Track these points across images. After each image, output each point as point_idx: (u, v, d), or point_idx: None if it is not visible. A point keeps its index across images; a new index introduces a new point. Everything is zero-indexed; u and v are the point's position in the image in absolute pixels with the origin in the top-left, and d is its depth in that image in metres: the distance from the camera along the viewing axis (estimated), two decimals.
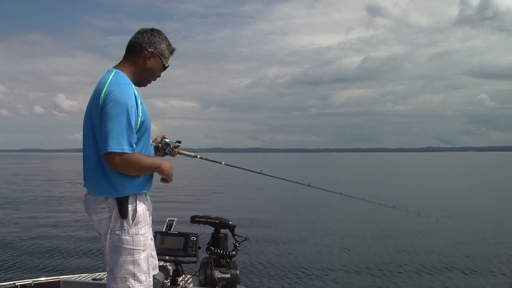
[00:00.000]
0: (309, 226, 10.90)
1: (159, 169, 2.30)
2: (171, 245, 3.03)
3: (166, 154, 2.63)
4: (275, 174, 3.32)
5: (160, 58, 2.33)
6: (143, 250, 2.20)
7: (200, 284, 3.02)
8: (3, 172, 39.19)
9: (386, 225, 10.88)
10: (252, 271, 6.52)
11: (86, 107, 2.26)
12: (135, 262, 2.16)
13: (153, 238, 2.43)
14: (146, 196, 2.30)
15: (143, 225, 2.21)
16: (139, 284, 2.17)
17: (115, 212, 2.15)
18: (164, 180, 2.39)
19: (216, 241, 3.10)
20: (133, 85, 2.22)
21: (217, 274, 2.95)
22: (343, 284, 6.25)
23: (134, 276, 2.17)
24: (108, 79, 2.17)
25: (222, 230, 3.16)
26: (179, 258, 3.04)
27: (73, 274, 3.29)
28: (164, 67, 2.39)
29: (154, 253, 2.43)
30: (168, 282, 3.00)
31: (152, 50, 2.30)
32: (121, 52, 2.36)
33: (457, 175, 36.06)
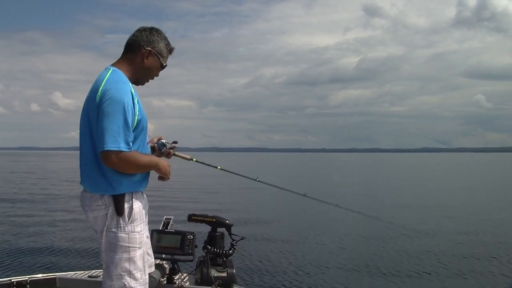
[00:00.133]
0: (305, 226, 10.92)
1: (156, 167, 2.31)
2: (167, 244, 3.03)
3: (163, 154, 2.62)
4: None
5: (158, 57, 2.33)
6: (139, 248, 2.21)
7: (196, 282, 3.03)
8: None
9: (386, 225, 10.90)
10: (249, 270, 6.52)
11: (83, 105, 2.26)
12: (130, 260, 2.17)
13: (149, 236, 2.44)
14: (143, 194, 2.31)
15: (139, 222, 2.22)
16: (134, 282, 2.18)
17: (111, 209, 2.16)
18: (161, 178, 2.39)
19: (212, 239, 3.11)
20: (130, 84, 2.22)
21: (214, 272, 2.96)
22: (339, 283, 6.26)
23: (130, 274, 2.17)
24: (105, 77, 2.18)
25: (219, 229, 3.16)
26: (175, 257, 3.05)
27: (69, 272, 3.30)
28: (162, 66, 2.38)
29: (150, 251, 2.43)
30: (164, 280, 3.01)
31: (150, 49, 2.30)
32: (119, 50, 2.36)
33: (453, 176, 36.16)
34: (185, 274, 3.18)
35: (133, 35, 2.34)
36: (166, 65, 2.40)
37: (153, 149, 2.57)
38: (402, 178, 32.40)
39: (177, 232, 3.08)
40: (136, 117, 2.16)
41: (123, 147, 2.07)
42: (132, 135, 2.14)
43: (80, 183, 2.27)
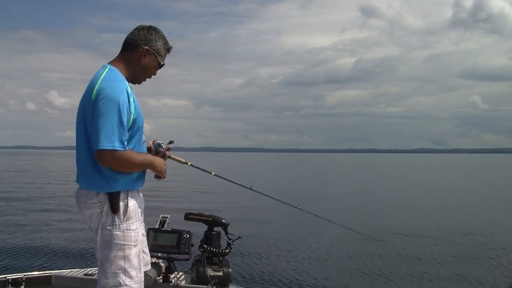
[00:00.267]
0: (301, 226, 10.92)
1: (151, 166, 2.30)
2: (164, 242, 3.04)
3: (159, 155, 2.61)
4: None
5: (156, 56, 2.32)
6: (134, 246, 2.20)
7: (192, 281, 3.03)
8: None
9: (384, 225, 10.93)
10: (245, 270, 6.52)
11: (79, 103, 2.26)
12: (126, 258, 2.17)
13: (145, 234, 2.44)
14: (138, 192, 2.30)
15: (135, 220, 2.22)
16: (129, 280, 2.17)
17: (106, 207, 2.15)
18: (157, 176, 2.39)
19: (209, 239, 3.11)
20: (126, 82, 2.22)
21: (210, 271, 2.96)
22: (336, 281, 6.27)
23: (125, 272, 2.17)
24: (102, 75, 2.17)
25: (215, 228, 3.17)
26: (171, 255, 3.06)
27: (64, 269, 3.29)
28: (160, 65, 2.38)
29: (146, 249, 2.43)
30: (160, 279, 3.01)
31: (148, 47, 2.29)
32: (115, 49, 2.36)
33: (449, 176, 36.26)
34: (181, 273, 3.18)
35: (131, 33, 2.33)
36: (164, 64, 2.39)
37: (149, 150, 2.57)
38: (398, 179, 32.45)
39: (173, 231, 3.08)
40: (132, 116, 2.16)
41: (117, 146, 2.07)
42: (127, 134, 2.13)
43: (76, 181, 2.27)
